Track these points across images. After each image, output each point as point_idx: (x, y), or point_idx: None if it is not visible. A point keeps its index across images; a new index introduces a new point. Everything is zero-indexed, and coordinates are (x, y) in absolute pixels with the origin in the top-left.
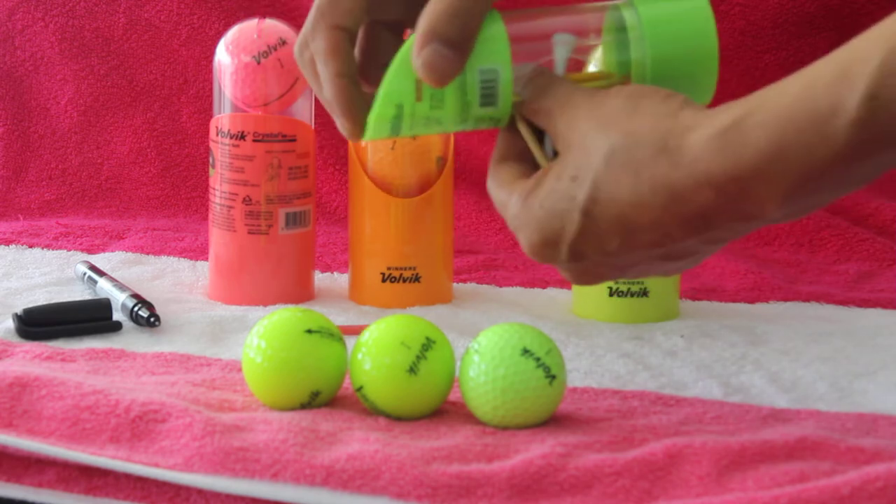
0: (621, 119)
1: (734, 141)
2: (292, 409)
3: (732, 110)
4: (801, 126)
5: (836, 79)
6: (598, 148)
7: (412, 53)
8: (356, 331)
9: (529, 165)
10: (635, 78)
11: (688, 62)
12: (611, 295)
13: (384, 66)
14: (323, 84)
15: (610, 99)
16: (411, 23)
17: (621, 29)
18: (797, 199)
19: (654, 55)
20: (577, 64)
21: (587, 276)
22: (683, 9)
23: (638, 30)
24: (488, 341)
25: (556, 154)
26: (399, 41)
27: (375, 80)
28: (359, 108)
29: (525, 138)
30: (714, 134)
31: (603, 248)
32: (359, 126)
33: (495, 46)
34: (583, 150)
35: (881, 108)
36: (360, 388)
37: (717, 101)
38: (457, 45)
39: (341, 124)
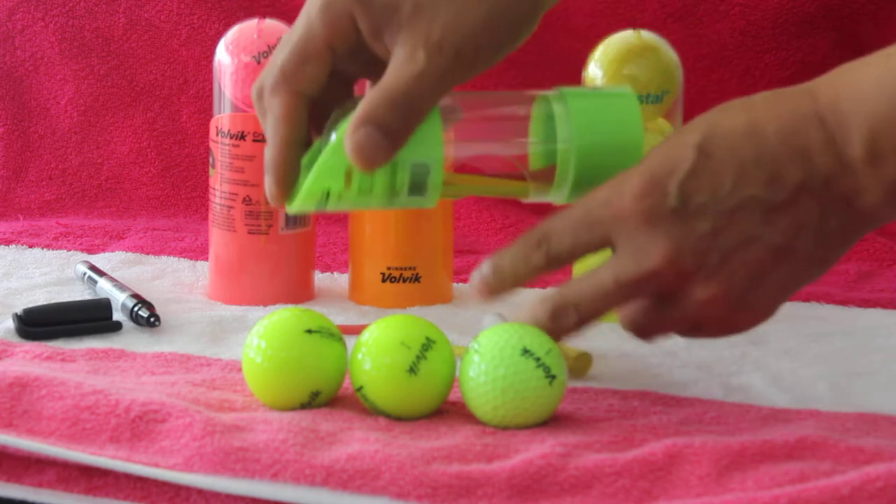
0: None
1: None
2: (292, 409)
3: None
4: None
5: None
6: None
7: (345, 134)
8: (356, 331)
9: None
10: (560, 166)
11: (614, 153)
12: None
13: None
14: (267, 143)
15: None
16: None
17: (549, 118)
18: None
19: (579, 145)
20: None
21: (691, 258)
22: (611, 102)
23: (565, 120)
24: (488, 341)
25: None
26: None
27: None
28: (292, 177)
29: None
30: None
31: (713, 190)
32: (286, 193)
33: (430, 142)
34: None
35: None
36: (360, 388)
37: (717, 101)
38: (391, 133)
39: (269, 188)
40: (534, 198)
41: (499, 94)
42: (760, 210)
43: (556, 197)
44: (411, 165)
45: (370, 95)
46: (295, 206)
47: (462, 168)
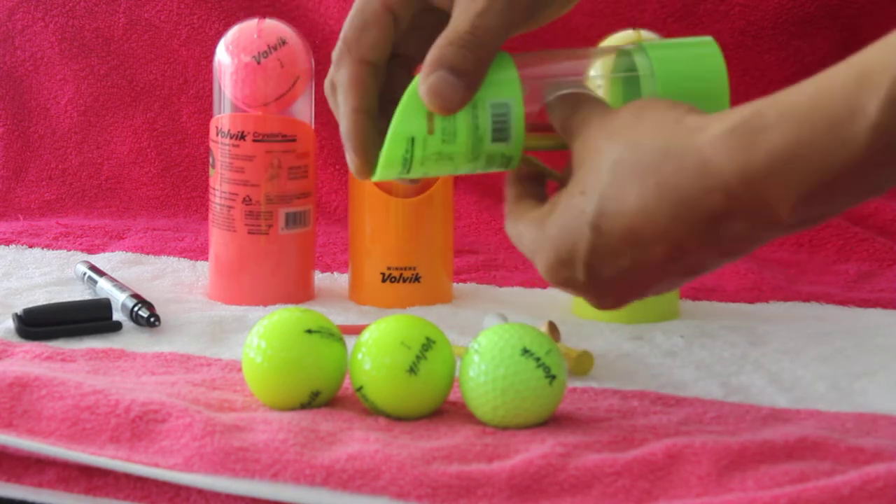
0: (626, 129)
1: (745, 140)
2: (292, 409)
3: (742, 111)
4: (818, 128)
5: (855, 82)
6: (603, 160)
7: (419, 81)
8: (356, 331)
9: (544, 202)
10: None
11: (700, 102)
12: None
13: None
14: (340, 117)
15: (619, 113)
16: None
17: (631, 70)
18: (813, 204)
19: (664, 94)
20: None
21: (609, 299)
22: (695, 53)
23: (648, 70)
24: (488, 341)
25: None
26: None
27: (391, 118)
28: (372, 145)
29: (536, 162)
30: (723, 133)
31: (616, 264)
32: (369, 164)
33: (506, 82)
34: (591, 163)
35: None
36: (360, 388)
37: None
38: (463, 73)
39: (351, 160)
40: None
41: (573, 50)
42: (669, 273)
43: None
44: (490, 106)
45: (438, 41)
46: (380, 172)
47: (538, 122)
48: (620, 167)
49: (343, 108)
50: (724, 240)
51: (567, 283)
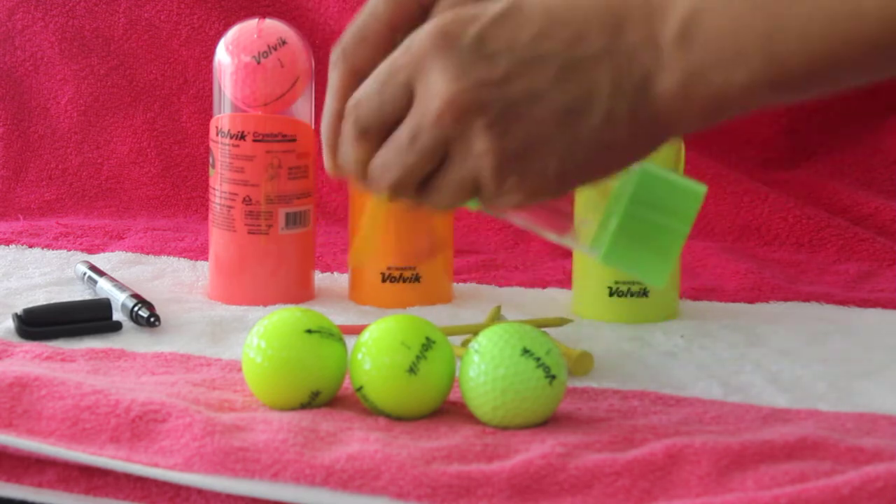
0: None
1: None
2: (292, 409)
3: None
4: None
5: None
6: None
7: None
8: (356, 331)
9: None
10: (604, 216)
11: (659, 227)
12: (611, 295)
13: None
14: (322, 116)
15: None
16: None
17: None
18: (697, 44)
19: (633, 197)
20: None
21: (505, 152)
22: (682, 184)
23: (634, 174)
24: (488, 341)
25: None
26: None
27: None
28: None
29: None
30: None
31: (514, 38)
32: (340, 165)
33: None
34: None
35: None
36: (360, 388)
37: None
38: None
39: (325, 159)
40: (570, 241)
41: None
42: (554, 67)
43: (590, 247)
44: None
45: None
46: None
47: None
48: None
49: (325, 111)
50: (617, 54)
51: (443, 51)
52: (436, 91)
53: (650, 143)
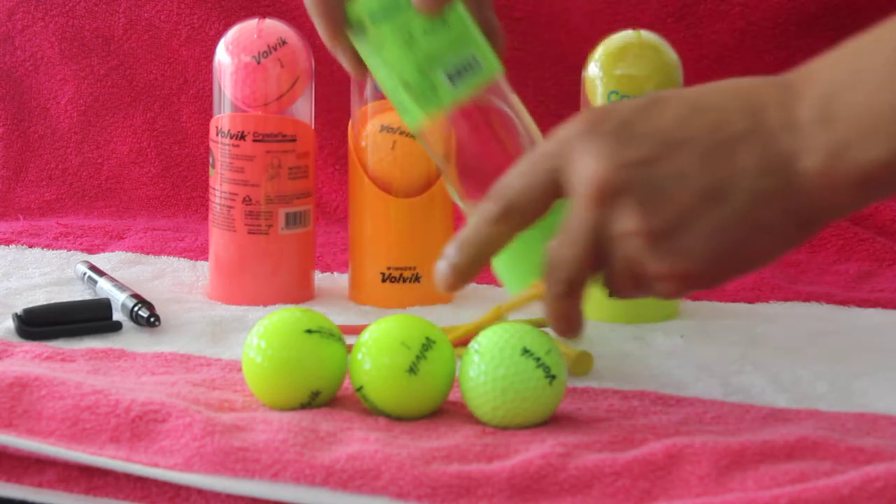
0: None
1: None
2: (292, 409)
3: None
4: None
5: None
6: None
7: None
8: (356, 331)
9: None
10: None
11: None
12: (611, 295)
13: None
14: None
15: None
16: None
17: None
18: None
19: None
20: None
21: (658, 213)
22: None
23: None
24: (488, 341)
25: None
26: None
27: None
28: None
29: None
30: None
31: (658, 123)
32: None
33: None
34: None
35: None
36: (360, 388)
37: None
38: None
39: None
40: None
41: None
42: (699, 149)
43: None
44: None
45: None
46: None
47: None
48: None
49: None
50: (760, 136)
51: (589, 134)
52: (585, 174)
53: (808, 226)
